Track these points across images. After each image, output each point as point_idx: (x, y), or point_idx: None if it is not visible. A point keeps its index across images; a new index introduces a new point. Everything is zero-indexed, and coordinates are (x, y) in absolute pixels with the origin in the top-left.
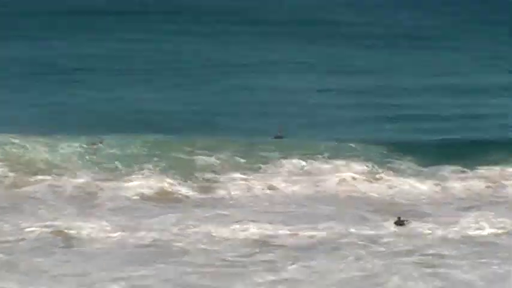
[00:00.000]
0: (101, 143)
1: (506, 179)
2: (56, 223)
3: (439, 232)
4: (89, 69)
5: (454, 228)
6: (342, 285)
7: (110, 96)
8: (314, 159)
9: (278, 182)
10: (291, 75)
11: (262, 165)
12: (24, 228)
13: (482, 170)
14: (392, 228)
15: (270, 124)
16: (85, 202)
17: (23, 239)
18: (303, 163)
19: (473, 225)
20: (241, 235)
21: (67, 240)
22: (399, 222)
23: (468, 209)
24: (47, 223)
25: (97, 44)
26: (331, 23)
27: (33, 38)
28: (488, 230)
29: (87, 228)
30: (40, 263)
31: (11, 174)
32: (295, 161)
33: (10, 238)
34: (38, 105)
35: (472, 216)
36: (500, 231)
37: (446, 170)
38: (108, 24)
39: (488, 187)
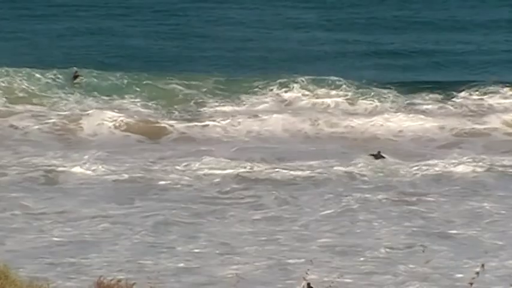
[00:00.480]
0: (80, 75)
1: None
2: (37, 159)
3: (418, 169)
4: (66, 3)
5: (433, 165)
6: (322, 222)
7: (88, 29)
8: (293, 92)
9: (259, 116)
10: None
11: (244, 99)
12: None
13: (461, 100)
14: (371, 163)
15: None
16: (66, 136)
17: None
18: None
19: (454, 161)
20: (223, 171)
21: (48, 176)
22: (378, 156)
23: (448, 144)
24: (29, 158)
25: None
26: None
27: None
28: (468, 167)
29: (68, 164)
30: (20, 199)
31: None
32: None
33: None
34: (14, 37)
35: (452, 152)
36: (479, 168)
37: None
38: None
39: (468, 119)
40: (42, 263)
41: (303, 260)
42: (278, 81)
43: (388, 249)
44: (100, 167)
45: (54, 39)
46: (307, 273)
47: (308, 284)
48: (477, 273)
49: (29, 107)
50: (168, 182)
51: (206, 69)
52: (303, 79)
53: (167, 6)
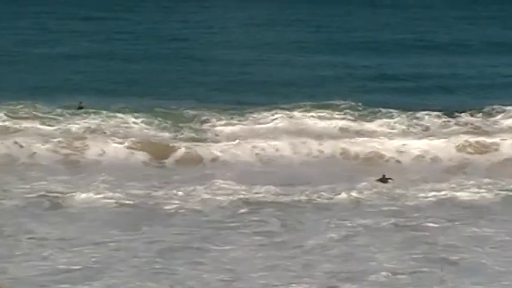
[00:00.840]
0: (83, 106)
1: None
2: (42, 183)
3: (424, 193)
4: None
5: (439, 189)
6: (324, 247)
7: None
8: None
9: (263, 140)
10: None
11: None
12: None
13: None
14: (376, 187)
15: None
16: (71, 160)
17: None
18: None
19: (459, 186)
20: (229, 196)
21: (53, 202)
22: (383, 180)
23: (454, 168)
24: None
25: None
26: None
27: None
28: (474, 192)
29: (73, 189)
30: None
31: None
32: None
33: None
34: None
35: (458, 176)
36: (486, 193)
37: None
38: None
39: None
40: None
41: (308, 285)
42: (282, 105)
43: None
44: (106, 193)
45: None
46: None
47: None
48: None
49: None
50: (173, 206)
51: (208, 93)
52: (306, 103)
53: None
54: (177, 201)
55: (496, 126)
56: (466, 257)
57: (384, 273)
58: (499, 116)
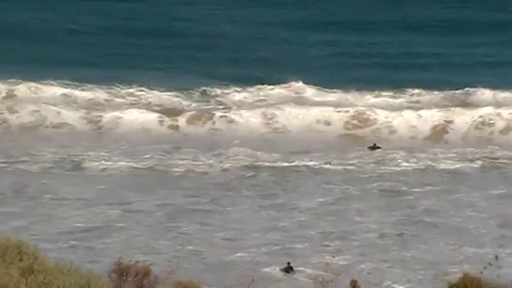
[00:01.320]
0: None
1: None
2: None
3: (409, 160)
4: None
5: (423, 158)
6: (319, 208)
7: None
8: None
9: (267, 108)
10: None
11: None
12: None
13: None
14: (367, 154)
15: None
16: (92, 128)
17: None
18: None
19: (441, 154)
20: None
21: (74, 165)
22: (374, 148)
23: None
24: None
25: None
26: None
27: None
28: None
29: (93, 154)
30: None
31: None
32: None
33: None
34: None
35: (440, 146)
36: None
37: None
38: None
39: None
40: (64, 246)
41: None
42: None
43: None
44: (122, 158)
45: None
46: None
47: (288, 263)
48: (490, 264)
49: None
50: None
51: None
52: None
53: None
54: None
55: (474, 99)
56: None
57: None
58: (478, 92)
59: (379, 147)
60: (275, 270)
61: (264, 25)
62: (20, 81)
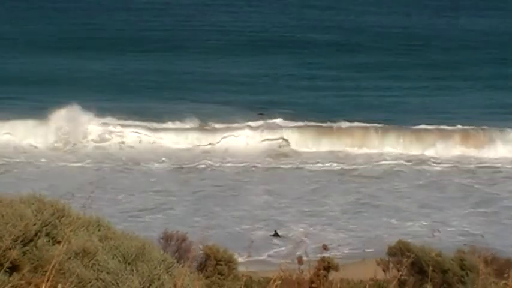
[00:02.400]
0: None
1: None
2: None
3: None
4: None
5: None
6: (298, 198)
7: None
8: None
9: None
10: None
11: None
12: None
13: None
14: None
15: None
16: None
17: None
18: None
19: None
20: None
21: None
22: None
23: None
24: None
25: None
26: None
27: None
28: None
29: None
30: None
31: None
32: None
33: None
34: None
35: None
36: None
37: None
38: None
39: None
40: (122, 222)
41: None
42: None
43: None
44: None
45: None
46: None
47: (275, 231)
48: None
49: None
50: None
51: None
52: None
53: None
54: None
55: None
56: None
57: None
58: None
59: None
60: (266, 235)
61: None
62: None
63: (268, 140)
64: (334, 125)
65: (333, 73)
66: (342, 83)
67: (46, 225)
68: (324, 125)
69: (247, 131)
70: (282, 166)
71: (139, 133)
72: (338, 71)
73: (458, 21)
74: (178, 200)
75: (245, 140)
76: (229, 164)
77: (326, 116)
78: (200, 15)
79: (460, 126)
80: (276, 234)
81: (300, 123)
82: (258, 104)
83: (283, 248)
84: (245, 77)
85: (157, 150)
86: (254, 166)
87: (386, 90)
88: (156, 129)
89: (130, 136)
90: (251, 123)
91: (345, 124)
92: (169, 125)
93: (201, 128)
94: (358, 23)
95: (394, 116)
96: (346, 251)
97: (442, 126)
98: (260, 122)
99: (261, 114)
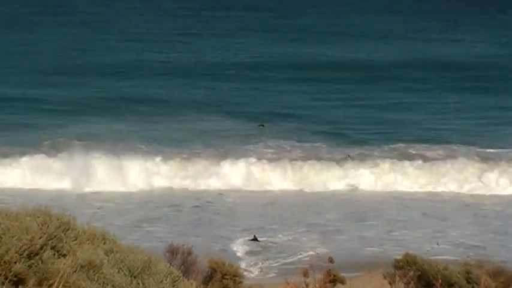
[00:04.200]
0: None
1: None
2: None
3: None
4: None
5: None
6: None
7: None
8: None
9: None
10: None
11: None
12: None
13: None
14: None
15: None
16: None
17: None
18: None
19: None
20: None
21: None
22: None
23: None
24: None
25: None
26: None
27: None
28: None
29: None
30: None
31: None
32: None
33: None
34: None
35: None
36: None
37: None
38: None
39: None
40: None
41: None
42: None
43: None
44: None
45: None
46: None
47: (254, 236)
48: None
49: None
50: None
51: None
52: None
53: None
54: None
55: None
56: None
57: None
58: None
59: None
60: (247, 239)
61: None
62: None
63: None
64: None
65: None
66: None
67: (52, 239)
68: None
69: None
70: None
71: None
72: None
73: None
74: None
75: None
76: None
77: None
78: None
79: None
80: (254, 239)
81: None
82: None
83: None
84: None
85: None
86: None
87: None
88: None
89: None
90: None
91: None
92: None
93: None
94: None
95: None
96: None
97: None
98: None
99: (261, 125)
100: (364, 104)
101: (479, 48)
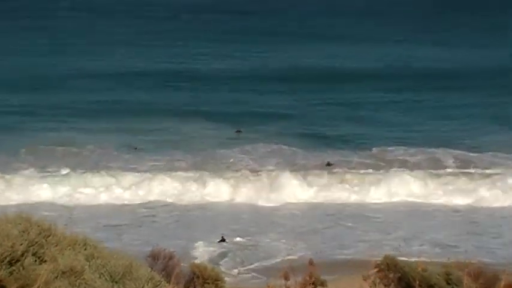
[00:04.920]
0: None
1: None
2: None
3: None
4: None
5: None
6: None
7: None
8: None
9: None
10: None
11: None
12: None
13: None
14: None
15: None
16: None
17: None
18: None
19: None
20: None
21: None
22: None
23: None
24: None
25: None
26: None
27: None
28: None
29: None
30: None
31: None
32: None
33: None
34: None
35: None
36: None
37: None
38: None
39: None
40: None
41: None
42: None
43: None
44: None
45: None
46: None
47: (222, 236)
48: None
49: None
50: None
51: None
52: None
53: None
54: None
55: None
56: None
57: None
58: None
59: None
60: (216, 240)
61: None
62: None
63: None
64: None
65: None
66: None
67: (33, 245)
68: None
69: None
70: None
71: None
72: None
73: None
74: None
75: None
76: None
77: None
78: None
79: None
80: (222, 240)
81: None
82: None
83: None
84: None
85: None
86: None
87: None
88: None
89: None
90: None
91: None
92: None
93: None
94: None
95: None
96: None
97: None
98: None
99: (238, 131)
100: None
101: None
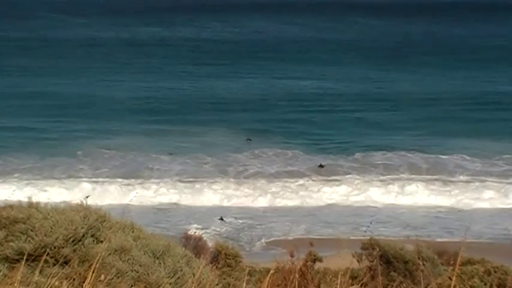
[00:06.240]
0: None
1: None
2: None
3: None
4: None
5: None
6: None
7: None
8: None
9: None
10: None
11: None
12: None
13: None
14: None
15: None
16: None
17: None
18: None
19: None
20: None
21: None
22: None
23: None
24: None
25: None
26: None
27: None
28: None
29: None
30: None
31: None
32: None
33: None
34: None
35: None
36: None
37: None
38: None
39: None
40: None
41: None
42: None
43: None
44: None
45: None
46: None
47: (221, 217)
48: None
49: None
50: None
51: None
52: None
53: None
54: None
55: None
56: None
57: None
58: None
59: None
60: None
61: None
62: None
63: None
64: None
65: None
66: None
67: (91, 228)
68: None
69: None
70: None
71: None
72: None
73: None
74: None
75: None
76: None
77: None
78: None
79: None
80: (221, 219)
81: None
82: None
83: None
84: None
85: None
86: None
87: None
88: None
89: None
90: None
91: None
92: None
93: None
94: None
95: None
96: None
97: None
98: None
99: (248, 139)
100: None
101: None
